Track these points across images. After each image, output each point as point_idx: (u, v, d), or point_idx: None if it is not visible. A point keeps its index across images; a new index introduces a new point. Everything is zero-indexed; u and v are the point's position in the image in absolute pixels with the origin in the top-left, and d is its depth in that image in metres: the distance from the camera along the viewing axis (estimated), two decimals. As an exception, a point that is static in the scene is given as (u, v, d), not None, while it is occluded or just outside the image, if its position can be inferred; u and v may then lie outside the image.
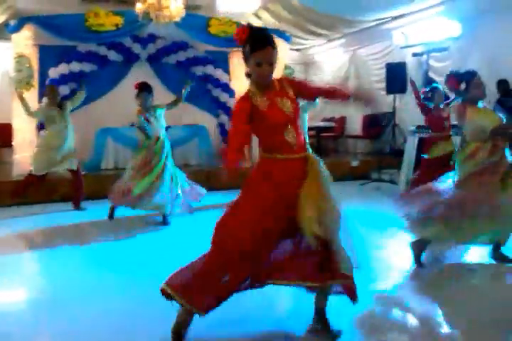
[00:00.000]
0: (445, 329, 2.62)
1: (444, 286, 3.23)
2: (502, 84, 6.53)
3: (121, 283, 3.39)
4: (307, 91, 2.42)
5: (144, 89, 5.06)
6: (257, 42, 2.20)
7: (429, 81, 7.85)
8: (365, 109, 2.40)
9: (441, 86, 5.25)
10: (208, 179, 7.20)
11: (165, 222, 5.16)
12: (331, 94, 2.44)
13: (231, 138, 2.25)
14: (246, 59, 2.28)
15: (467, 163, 3.50)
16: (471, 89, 3.49)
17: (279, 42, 8.42)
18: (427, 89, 5.29)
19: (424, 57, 7.92)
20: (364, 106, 2.41)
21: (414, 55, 8.18)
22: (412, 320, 2.72)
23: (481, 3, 6.97)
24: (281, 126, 2.27)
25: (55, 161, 5.76)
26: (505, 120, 3.53)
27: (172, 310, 2.35)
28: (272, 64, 2.23)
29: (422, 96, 5.32)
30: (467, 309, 2.83)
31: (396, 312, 2.85)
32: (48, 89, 6.05)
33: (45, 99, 6.16)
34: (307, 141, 2.45)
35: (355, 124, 10.28)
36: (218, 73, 9.05)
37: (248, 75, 2.35)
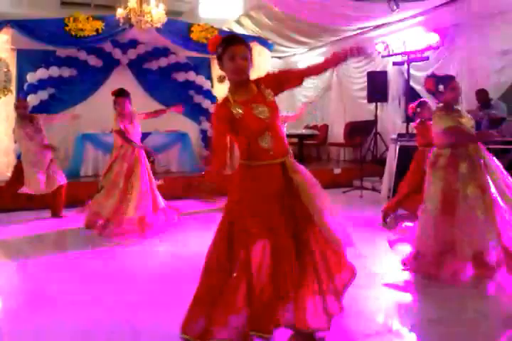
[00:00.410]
0: (423, 336, 2.59)
1: (425, 293, 3.20)
2: (481, 93, 6.61)
3: (102, 290, 3.29)
4: (291, 77, 2.37)
5: (121, 94, 4.95)
6: (229, 39, 2.23)
7: (410, 90, 7.94)
8: (355, 56, 2.33)
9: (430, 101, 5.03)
10: (189, 186, 7.13)
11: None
12: (315, 68, 2.39)
13: (214, 152, 2.29)
14: (220, 60, 2.27)
15: (431, 171, 3.50)
16: (447, 92, 3.45)
17: (261, 49, 8.53)
18: (414, 104, 5.06)
19: (405, 66, 8.00)
20: (353, 55, 2.32)
21: (395, 64, 8.26)
22: (389, 326, 2.69)
23: (458, 15, 7.11)
24: (257, 133, 2.23)
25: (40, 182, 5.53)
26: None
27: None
28: (245, 59, 2.20)
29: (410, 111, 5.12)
30: (444, 316, 2.78)
31: (371, 320, 2.80)
32: (19, 103, 5.71)
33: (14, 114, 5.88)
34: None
35: (338, 132, 10.32)
36: (200, 79, 9.00)
37: (223, 79, 2.34)
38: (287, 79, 2.36)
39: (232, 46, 2.19)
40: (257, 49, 8.65)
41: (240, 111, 2.21)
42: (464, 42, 7.14)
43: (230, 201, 2.32)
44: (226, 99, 2.27)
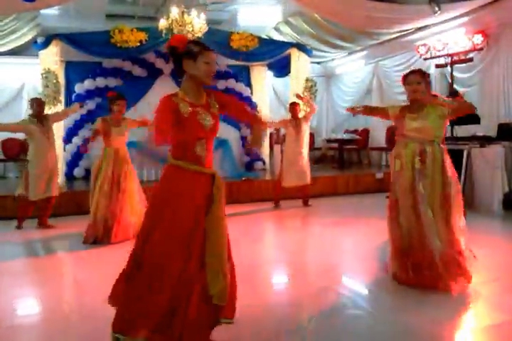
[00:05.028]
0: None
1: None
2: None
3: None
4: (232, 112, 2.43)
5: (122, 97, 4.96)
6: (205, 44, 2.27)
7: (453, 92, 7.75)
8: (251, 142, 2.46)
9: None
10: (230, 191, 7.22)
11: None
12: (242, 117, 2.52)
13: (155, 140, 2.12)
14: (190, 58, 2.20)
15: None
16: (405, 88, 3.43)
17: (300, 55, 8.56)
18: None
19: (448, 68, 7.83)
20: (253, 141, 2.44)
21: (438, 66, 8.10)
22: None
23: (504, 15, 6.92)
24: (195, 138, 2.24)
25: (44, 185, 5.25)
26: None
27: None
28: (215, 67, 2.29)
29: None
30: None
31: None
32: (34, 101, 5.38)
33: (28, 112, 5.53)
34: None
35: (379, 136, 10.18)
36: (240, 87, 9.13)
37: (180, 75, 2.29)
38: (230, 110, 2.41)
39: (210, 51, 2.24)
40: (295, 55, 8.70)
41: (188, 110, 2.20)
42: (510, 43, 6.94)
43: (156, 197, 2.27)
44: (175, 95, 2.23)
